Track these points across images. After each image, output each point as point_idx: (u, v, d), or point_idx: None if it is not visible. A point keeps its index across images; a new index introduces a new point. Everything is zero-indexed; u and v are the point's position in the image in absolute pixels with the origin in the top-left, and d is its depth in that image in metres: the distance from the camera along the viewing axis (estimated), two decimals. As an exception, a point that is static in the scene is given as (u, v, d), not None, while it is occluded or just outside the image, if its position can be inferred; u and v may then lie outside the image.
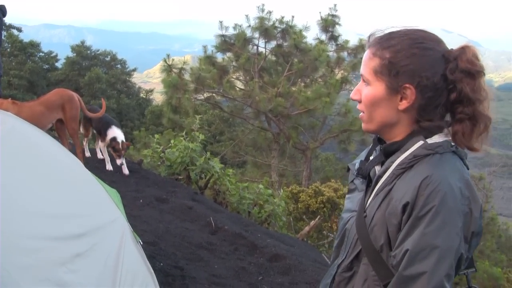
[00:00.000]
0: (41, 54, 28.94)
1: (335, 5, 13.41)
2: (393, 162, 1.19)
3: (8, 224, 1.75)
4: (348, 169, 1.42)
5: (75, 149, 4.88)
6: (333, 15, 13.42)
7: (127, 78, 31.75)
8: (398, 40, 1.17)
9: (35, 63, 27.15)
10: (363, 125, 1.26)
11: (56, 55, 30.02)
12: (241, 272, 3.75)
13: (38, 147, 2.31)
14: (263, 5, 12.61)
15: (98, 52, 31.13)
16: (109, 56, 31.79)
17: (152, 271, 2.43)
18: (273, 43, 13.00)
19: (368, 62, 1.20)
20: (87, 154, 5.71)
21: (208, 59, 12.54)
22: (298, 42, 12.19)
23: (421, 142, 1.16)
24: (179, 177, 6.29)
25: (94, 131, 5.64)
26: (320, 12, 13.58)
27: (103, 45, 39.70)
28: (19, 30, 27.90)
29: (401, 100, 1.17)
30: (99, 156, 5.72)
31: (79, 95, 5.02)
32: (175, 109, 12.35)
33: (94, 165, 5.41)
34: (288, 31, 12.69)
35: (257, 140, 14.32)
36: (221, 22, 12.71)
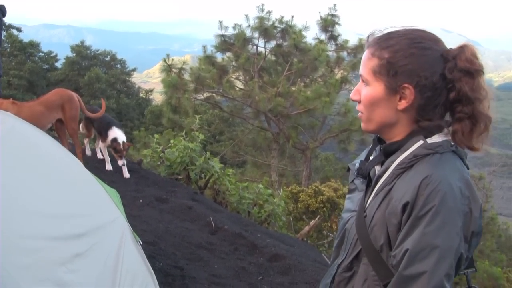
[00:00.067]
0: (40, 54, 28.94)
1: (334, 5, 13.44)
2: (393, 162, 1.19)
3: (8, 224, 1.75)
4: (348, 169, 1.41)
5: (75, 149, 4.88)
6: (332, 15, 13.43)
7: (127, 78, 31.74)
8: (397, 40, 1.17)
9: (35, 63, 27.15)
10: (362, 125, 1.26)
11: (56, 55, 30.01)
12: (241, 272, 3.75)
13: (38, 147, 2.31)
14: (262, 5, 12.64)
15: (98, 52, 31.12)
16: (108, 56, 31.79)
17: (152, 271, 2.43)
18: (272, 43, 13.00)
19: (367, 62, 1.20)
20: (88, 152, 5.73)
21: (208, 59, 12.53)
22: (297, 42, 12.18)
23: (421, 142, 1.16)
24: (179, 177, 6.29)
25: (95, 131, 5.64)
26: (319, 12, 13.63)
27: (102, 45, 39.71)
28: (19, 30, 27.92)
29: (400, 100, 1.16)
30: (99, 156, 5.71)
31: (78, 95, 5.02)
32: (174, 109, 12.34)
33: (94, 165, 5.40)
34: (287, 31, 12.69)
35: (257, 140, 14.31)
36: (220, 22, 12.72)
